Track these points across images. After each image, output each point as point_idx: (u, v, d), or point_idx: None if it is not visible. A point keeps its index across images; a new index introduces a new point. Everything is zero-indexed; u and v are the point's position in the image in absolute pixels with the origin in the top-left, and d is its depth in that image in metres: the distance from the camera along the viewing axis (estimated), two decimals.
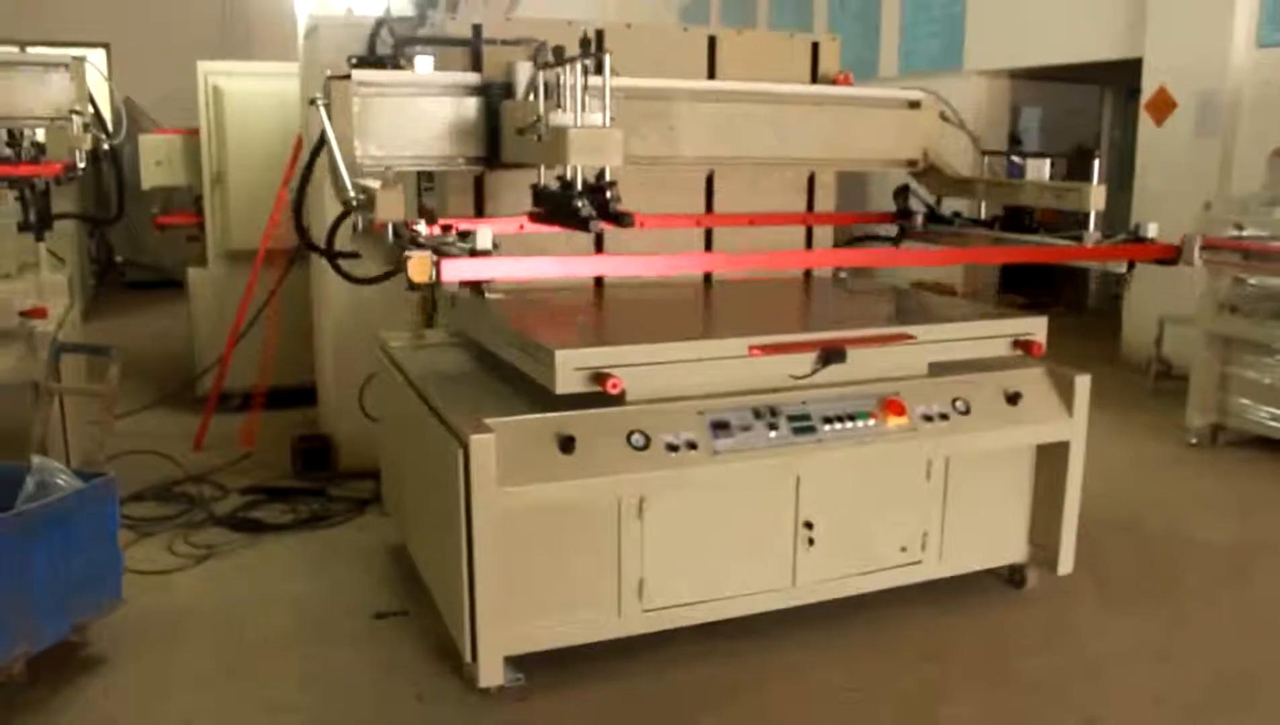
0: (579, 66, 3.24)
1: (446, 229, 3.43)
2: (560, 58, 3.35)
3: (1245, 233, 6.00)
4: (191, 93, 6.63)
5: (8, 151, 5.07)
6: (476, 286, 3.20)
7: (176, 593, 4.21)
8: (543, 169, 3.61)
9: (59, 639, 3.50)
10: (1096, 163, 4.01)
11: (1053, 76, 10.30)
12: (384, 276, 4.36)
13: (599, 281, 4.37)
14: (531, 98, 3.48)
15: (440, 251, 3.05)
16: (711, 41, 4.45)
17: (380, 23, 5.02)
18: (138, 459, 5.40)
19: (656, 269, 3.70)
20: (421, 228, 3.32)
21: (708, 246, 4.55)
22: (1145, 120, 8.44)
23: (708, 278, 4.58)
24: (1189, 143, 7.99)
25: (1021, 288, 11.18)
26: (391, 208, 3.16)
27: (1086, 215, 3.94)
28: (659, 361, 3.30)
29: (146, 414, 6.59)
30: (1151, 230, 3.84)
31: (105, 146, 5.24)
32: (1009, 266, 10.85)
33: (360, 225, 3.39)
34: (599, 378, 3.15)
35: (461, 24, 4.11)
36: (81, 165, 4.93)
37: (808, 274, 4.79)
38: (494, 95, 3.77)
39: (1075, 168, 11.46)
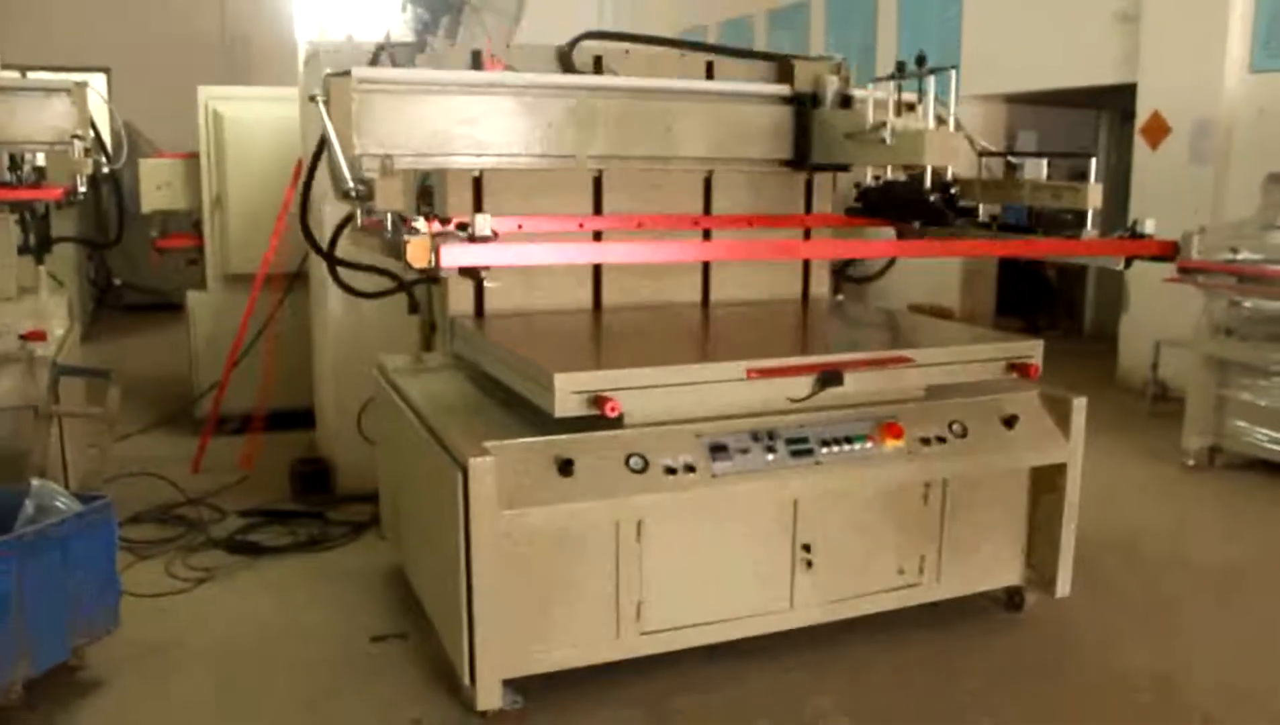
0: (930, 81, 3.69)
1: (445, 223, 3.48)
2: (903, 73, 3.78)
3: (1240, 256, 6.04)
4: (192, 117, 6.67)
5: (8, 176, 5.10)
6: (476, 275, 3.21)
7: (174, 616, 4.20)
8: (869, 171, 4.31)
9: (57, 662, 3.50)
10: (1094, 162, 4.04)
11: (1048, 101, 10.37)
12: (383, 293, 4.39)
13: (598, 305, 4.39)
14: (844, 108, 4.12)
15: (442, 237, 3.08)
16: (709, 67, 4.49)
17: (380, 48, 5.07)
18: (136, 481, 5.42)
19: (654, 256, 3.73)
20: (420, 224, 3.33)
21: (705, 297, 4.54)
22: (1140, 145, 8.50)
23: (705, 301, 4.59)
24: (1184, 167, 8.04)
25: (1018, 311, 11.22)
26: (391, 197, 3.17)
27: (1083, 218, 3.95)
28: (657, 384, 3.32)
29: (145, 436, 6.60)
30: (1149, 226, 3.85)
31: (105, 171, 5.26)
32: (1006, 289, 10.90)
33: (360, 220, 3.42)
34: (598, 401, 3.16)
35: (460, 49, 4.14)
36: (82, 190, 4.95)
37: (805, 297, 4.81)
38: (804, 104, 4.26)
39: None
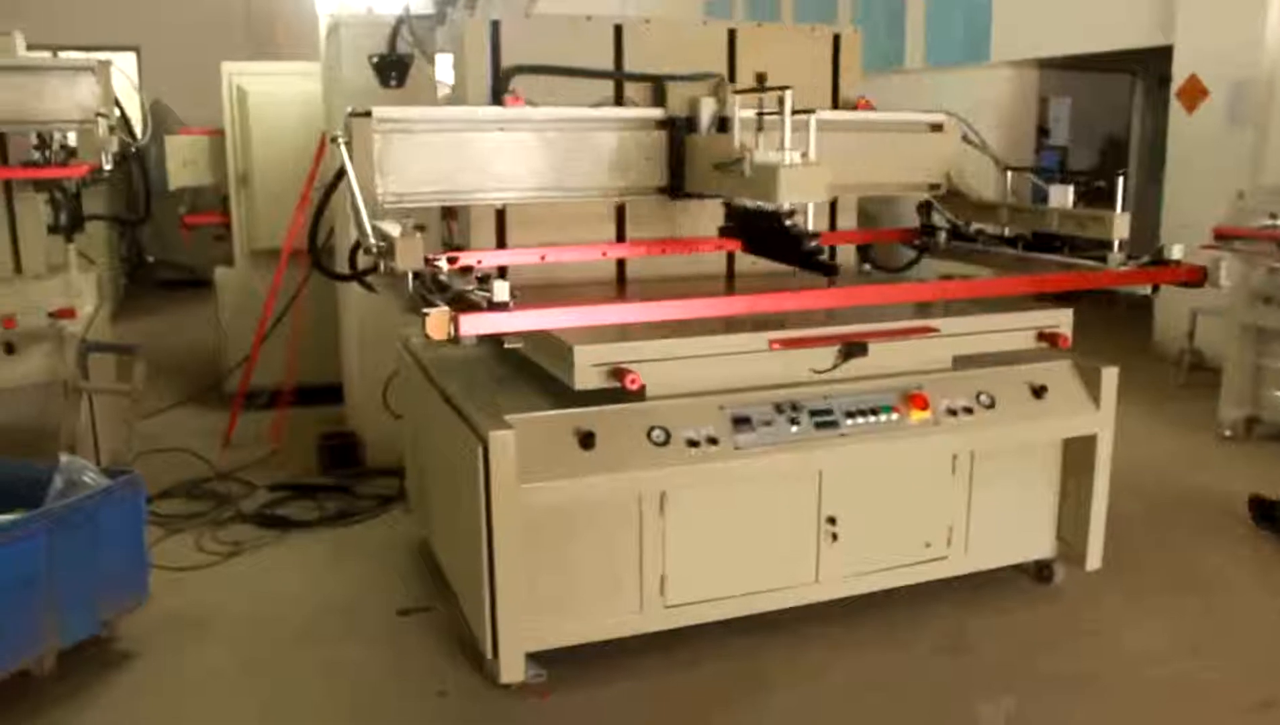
0: (788, 103, 3.27)
1: (466, 271, 3.46)
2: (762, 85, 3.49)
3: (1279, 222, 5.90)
4: (219, 94, 6.68)
5: (35, 155, 5.12)
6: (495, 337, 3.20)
7: (204, 589, 4.24)
8: None
9: (88, 634, 3.55)
10: (1120, 184, 3.94)
11: (1082, 66, 10.17)
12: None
13: (621, 275, 4.35)
14: (717, 132, 3.75)
15: (459, 302, 3.06)
16: (731, 35, 4.42)
17: (400, 21, 5.05)
18: (167, 456, 5.49)
19: (677, 312, 3.38)
20: (443, 264, 3.36)
21: (730, 270, 4.48)
22: (1176, 109, 8.32)
23: (730, 272, 4.54)
24: (1221, 131, 7.87)
25: None
26: (411, 256, 3.15)
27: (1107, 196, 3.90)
28: (679, 356, 3.30)
29: (177, 411, 6.67)
30: (1176, 252, 3.79)
31: (134, 149, 5.28)
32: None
33: (383, 267, 3.41)
34: (618, 373, 3.14)
35: (479, 21, 4.10)
36: (108, 167, 4.97)
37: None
38: (678, 128, 3.93)
39: (1106, 159, 11.35)
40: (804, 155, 3.27)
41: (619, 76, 4.15)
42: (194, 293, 10.67)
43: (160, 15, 13.86)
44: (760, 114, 3.41)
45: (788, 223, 3.34)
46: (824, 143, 4.23)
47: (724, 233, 3.94)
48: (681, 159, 3.91)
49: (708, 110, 3.88)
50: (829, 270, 3.33)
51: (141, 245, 11.60)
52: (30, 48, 5.76)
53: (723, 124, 3.82)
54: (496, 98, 3.97)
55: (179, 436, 5.93)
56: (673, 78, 4.10)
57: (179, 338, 8.82)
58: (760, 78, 3.50)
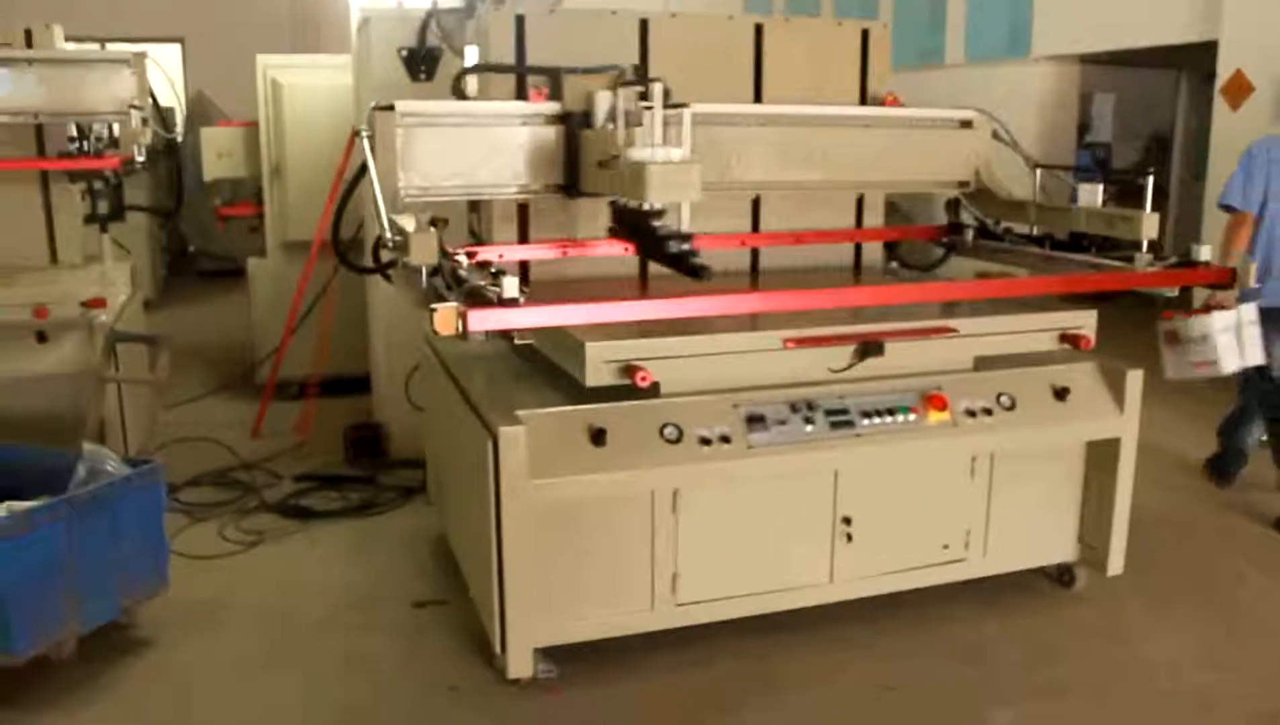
0: (658, 96, 3.15)
1: (484, 265, 3.45)
2: (634, 85, 3.36)
3: None
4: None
5: (70, 147, 5.21)
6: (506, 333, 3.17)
7: (225, 577, 4.30)
8: None
9: (108, 620, 3.60)
10: (1150, 183, 3.85)
11: (1126, 61, 9.98)
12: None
13: (644, 272, 4.33)
14: (611, 128, 3.51)
15: (472, 297, 3.05)
16: (758, 29, 4.38)
17: (430, 14, 5.08)
18: (197, 445, 5.55)
19: (690, 310, 3.32)
20: (463, 258, 3.35)
21: (754, 267, 4.46)
22: (1220, 105, 8.15)
23: (754, 266, 4.51)
24: (1267, 128, 7.66)
25: None
26: (425, 251, 3.14)
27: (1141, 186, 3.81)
28: (692, 354, 3.28)
29: (209, 400, 6.78)
30: (1204, 253, 3.71)
31: (174, 141, 5.34)
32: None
33: (401, 264, 3.42)
34: (629, 370, 3.13)
35: (505, 15, 4.10)
36: (141, 159, 5.04)
37: (857, 264, 4.70)
38: (574, 124, 3.75)
39: (1152, 155, 11.14)
40: (679, 152, 3.13)
41: (519, 70, 3.99)
42: (232, 283, 10.76)
43: (205, 8, 14.04)
44: (643, 109, 3.25)
45: (656, 223, 3.21)
46: (851, 139, 4.24)
47: (612, 233, 3.73)
48: (576, 155, 3.75)
49: (603, 105, 3.67)
50: (697, 272, 3.15)
51: (183, 235, 11.76)
52: (79, 40, 5.86)
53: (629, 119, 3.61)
54: (457, 92, 3.94)
55: (210, 426, 6.01)
56: (573, 70, 3.93)
57: (215, 327, 8.93)
58: (638, 70, 3.36)
